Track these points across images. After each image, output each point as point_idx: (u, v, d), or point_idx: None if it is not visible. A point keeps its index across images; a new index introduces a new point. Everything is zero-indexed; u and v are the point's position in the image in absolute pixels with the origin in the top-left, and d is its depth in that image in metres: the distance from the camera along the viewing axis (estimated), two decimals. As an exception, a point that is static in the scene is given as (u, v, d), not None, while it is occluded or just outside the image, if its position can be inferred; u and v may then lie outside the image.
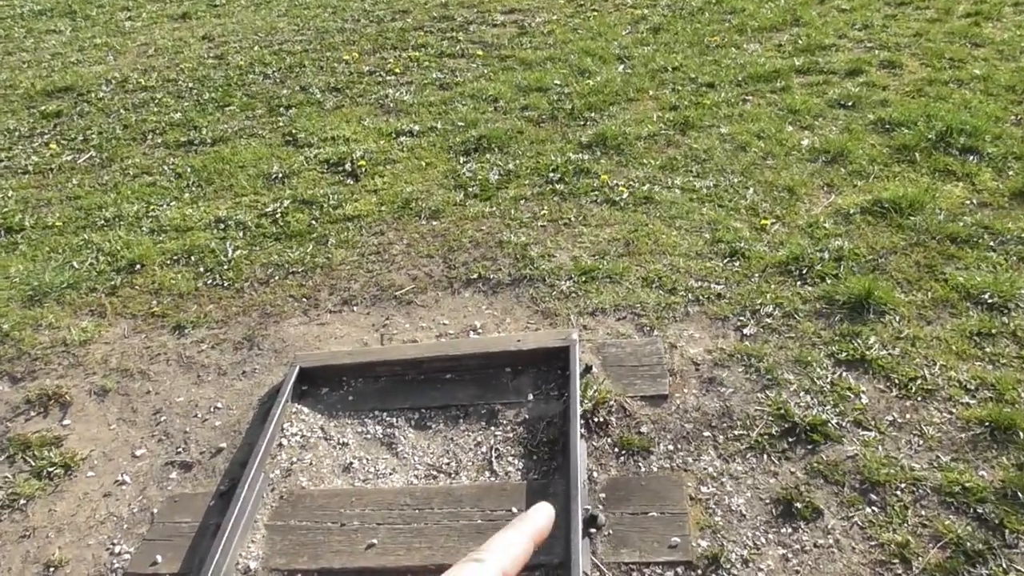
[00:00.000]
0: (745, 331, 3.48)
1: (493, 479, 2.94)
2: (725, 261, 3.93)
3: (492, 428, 3.15)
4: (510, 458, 3.02)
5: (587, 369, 3.29)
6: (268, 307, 3.98)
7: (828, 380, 3.16)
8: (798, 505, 2.68)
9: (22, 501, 3.07)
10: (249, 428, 3.27)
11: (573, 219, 4.41)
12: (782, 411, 3.02)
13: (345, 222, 4.64)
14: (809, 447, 2.89)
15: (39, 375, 3.72)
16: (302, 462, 3.09)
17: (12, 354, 3.87)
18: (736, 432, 2.99)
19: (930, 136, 4.85)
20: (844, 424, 2.97)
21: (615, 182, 4.74)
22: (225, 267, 4.33)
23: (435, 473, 3.02)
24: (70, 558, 2.85)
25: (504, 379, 3.35)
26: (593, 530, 2.66)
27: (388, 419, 3.25)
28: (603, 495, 2.79)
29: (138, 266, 4.44)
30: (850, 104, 5.45)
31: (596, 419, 3.07)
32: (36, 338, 3.96)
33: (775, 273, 3.82)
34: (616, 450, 2.97)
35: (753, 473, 2.83)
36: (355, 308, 3.92)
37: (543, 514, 0.65)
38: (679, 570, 2.54)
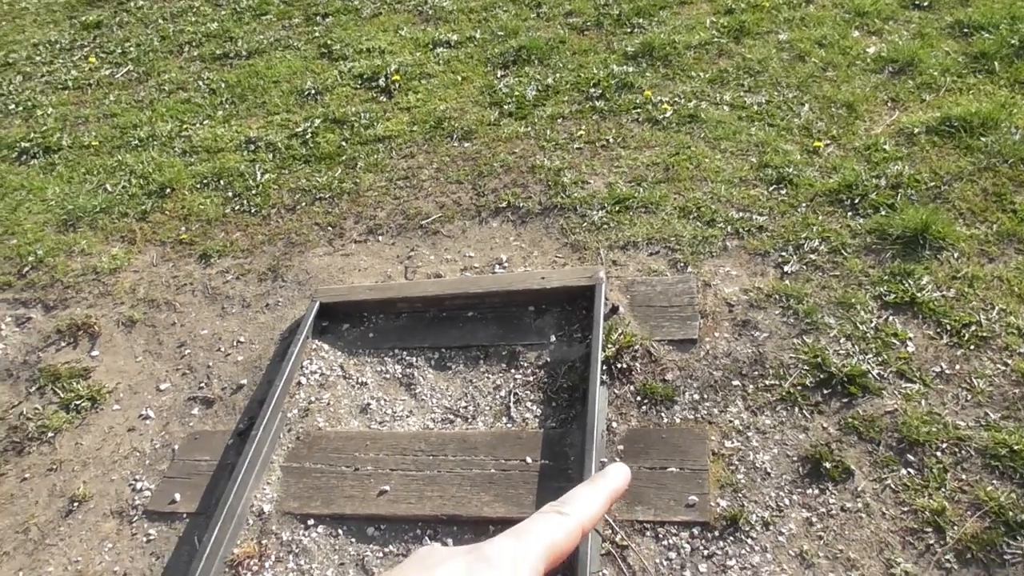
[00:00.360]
0: (786, 268, 3.24)
1: (510, 426, 2.85)
2: (771, 189, 3.65)
3: (512, 371, 3.04)
4: (529, 404, 2.91)
5: (613, 310, 3.13)
6: (293, 235, 3.89)
7: (872, 325, 2.93)
8: (827, 464, 2.52)
9: (50, 434, 3.12)
10: (269, 365, 3.24)
11: (611, 140, 4.14)
12: (819, 359, 2.83)
13: (375, 143, 4.47)
14: (845, 400, 2.70)
15: (70, 304, 3.74)
16: (320, 401, 3.05)
17: (46, 281, 3.90)
18: (767, 382, 2.81)
19: (1013, 42, 4.36)
20: (886, 375, 2.76)
21: (659, 98, 4.43)
22: (253, 192, 4.23)
23: (452, 417, 2.94)
24: (94, 492, 2.90)
25: (527, 319, 3.22)
26: (608, 485, 2.56)
27: (408, 358, 3.17)
28: (621, 447, 2.68)
29: (168, 190, 4.38)
30: (925, 4, 4.93)
31: (619, 365, 2.92)
32: (69, 265, 3.97)
33: (824, 203, 3.53)
34: (638, 399, 2.84)
35: (782, 428, 2.67)
36: (380, 238, 3.80)
37: (621, 474, 0.64)
38: (695, 531, 2.43)
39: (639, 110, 4.36)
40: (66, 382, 3.30)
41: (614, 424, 2.76)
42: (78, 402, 3.20)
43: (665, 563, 2.38)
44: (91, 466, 2.99)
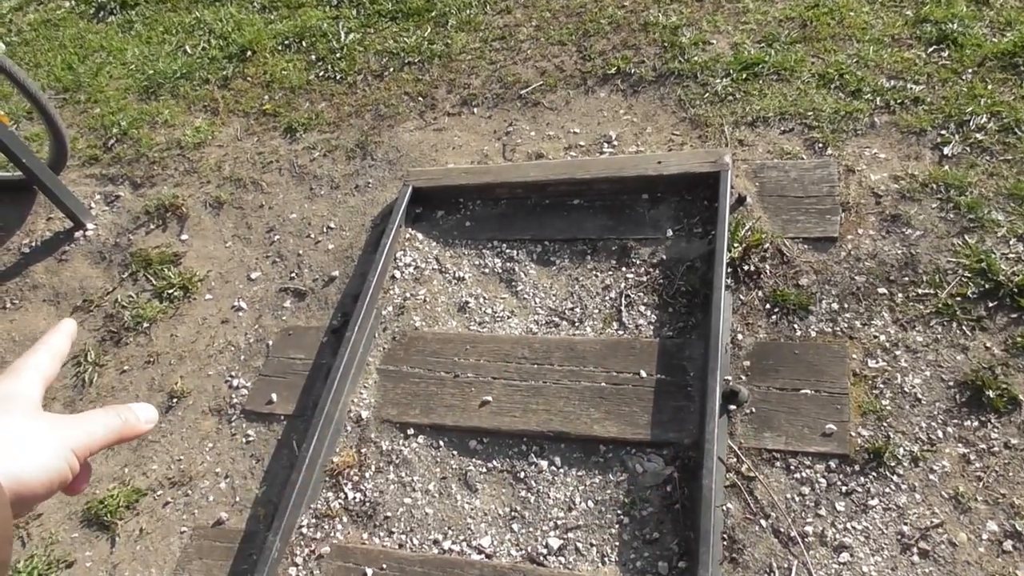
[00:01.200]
0: (946, 151, 2.75)
1: (621, 333, 2.58)
2: (930, 50, 3.08)
3: (623, 269, 2.74)
4: (642, 308, 2.62)
5: (740, 201, 2.74)
6: (382, 107, 3.56)
7: (1052, 224, 2.47)
8: (990, 393, 2.17)
9: (145, 324, 3.04)
10: (362, 255, 3.02)
11: (737, -11, 3.56)
12: (983, 264, 2.41)
13: (468, -6, 4.00)
14: (1014, 316, 2.31)
15: (157, 181, 3.57)
16: (416, 297, 2.84)
17: (131, 155, 3.72)
18: (920, 291, 2.43)
19: None
20: (1066, 287, 2.33)
21: (794, -65, 3.76)
22: (337, 55, 3.87)
23: (557, 320, 2.69)
24: (192, 388, 2.82)
25: (640, 208, 2.87)
26: (733, 407, 2.30)
27: (508, 251, 2.90)
28: (747, 363, 2.39)
29: (249, 52, 4.06)
30: None
31: (746, 267, 2.58)
32: (153, 138, 3.77)
33: (995, 68, 2.95)
34: (768, 307, 2.51)
35: (937, 346, 2.31)
36: (475, 110, 3.43)
37: (66, 327, 0.75)
38: (832, 464, 2.16)
39: (770, -50, 3.72)
40: (158, 268, 3.18)
41: (740, 336, 2.45)
42: (171, 291, 3.09)
43: (797, 499, 2.13)
44: (187, 360, 2.90)
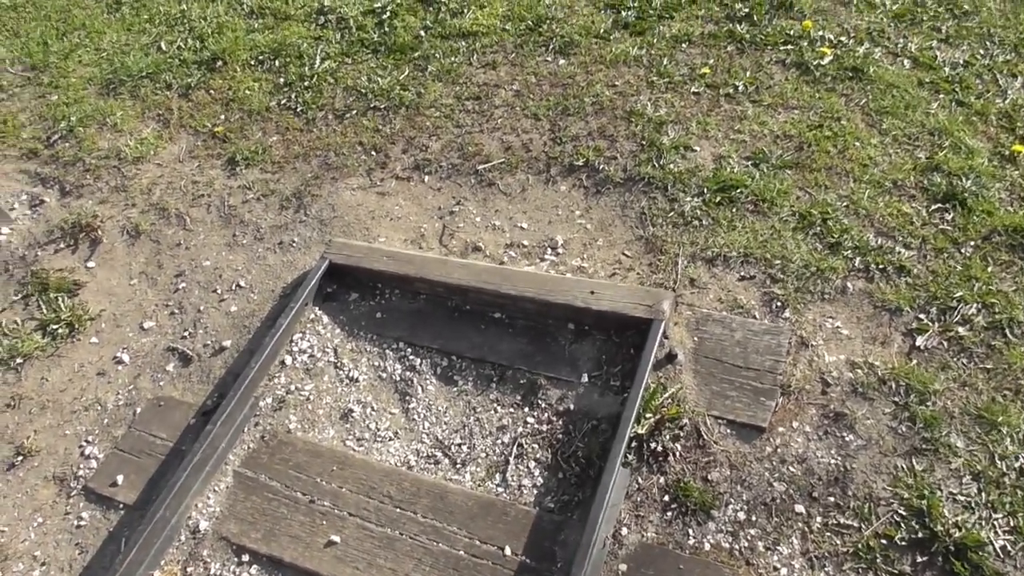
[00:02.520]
0: (919, 341, 2.32)
1: (500, 490, 2.22)
2: (933, 208, 2.63)
3: (526, 410, 2.37)
4: (531, 464, 2.26)
5: (669, 358, 2.34)
6: (332, 154, 3.20)
7: (1019, 466, 2.04)
8: None
9: (19, 360, 2.75)
10: (259, 328, 2.68)
11: (741, 89, 3.12)
12: (924, 503, 2.00)
13: (457, 39, 3.60)
14: (942, 579, 1.90)
15: (85, 193, 3.27)
16: (300, 392, 2.50)
17: (70, 157, 3.42)
18: (843, 520, 2.02)
19: None
20: (1014, 555, 1.91)
21: (820, 32, 3.30)
22: (306, 83, 3.51)
23: (439, 455, 2.33)
24: (42, 447, 2.53)
25: (562, 340, 2.48)
26: (591, 622, 1.93)
27: (412, 358, 2.54)
28: (623, 568, 2.01)
29: (220, 62, 3.72)
30: None
31: (655, 444, 2.19)
32: (96, 142, 3.46)
33: (1002, 246, 2.51)
34: (666, 499, 2.12)
35: (843, 597, 1.91)
36: (426, 178, 3.05)
37: None
38: None
39: (790, 47, 3.27)
40: (52, 296, 2.88)
41: (625, 530, 2.08)
42: (56, 326, 2.78)
43: None
44: (49, 411, 2.61)
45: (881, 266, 2.50)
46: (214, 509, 2.29)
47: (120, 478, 2.40)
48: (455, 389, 2.46)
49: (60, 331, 2.78)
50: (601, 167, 2.93)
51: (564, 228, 2.79)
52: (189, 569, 2.19)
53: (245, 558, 2.19)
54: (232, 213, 3.06)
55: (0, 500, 2.42)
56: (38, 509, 2.40)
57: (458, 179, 3.02)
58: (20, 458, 2.50)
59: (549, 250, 2.73)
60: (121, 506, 2.35)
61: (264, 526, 2.23)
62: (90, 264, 3.00)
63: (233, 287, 2.83)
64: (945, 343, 2.31)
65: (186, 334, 2.74)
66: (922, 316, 2.38)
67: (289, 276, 2.82)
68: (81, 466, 2.47)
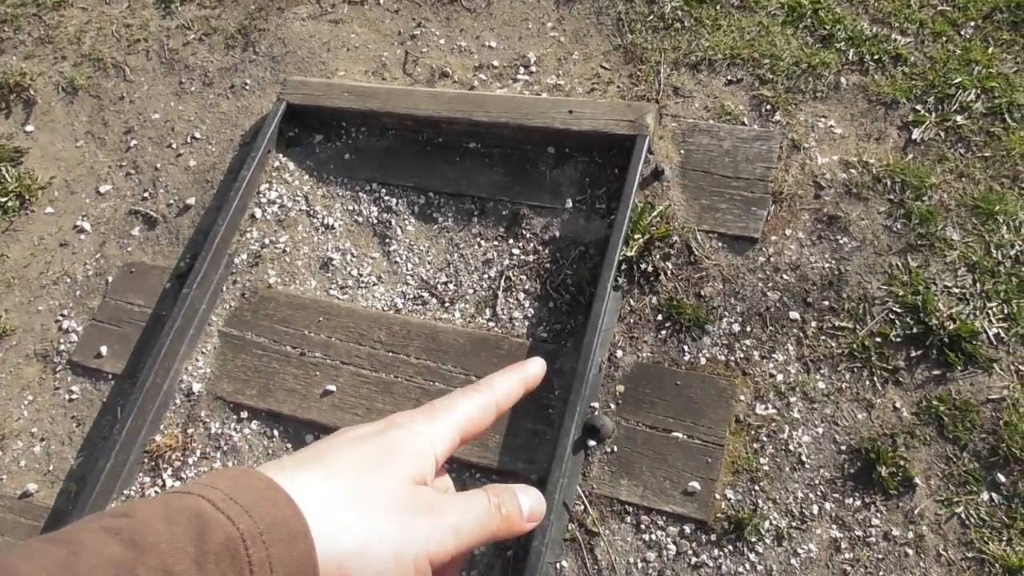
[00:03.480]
0: (915, 134, 2.25)
1: (492, 325, 2.22)
2: (931, -12, 2.47)
3: (510, 241, 2.32)
4: (520, 295, 2.24)
5: (656, 174, 2.27)
6: (275, -21, 2.94)
7: (1013, 253, 2.04)
8: (883, 470, 1.86)
9: (-25, 239, 2.64)
10: (222, 181, 2.58)
11: None
12: (918, 299, 2.01)
13: None
14: (936, 372, 1.95)
15: (6, 48, 3.02)
16: (276, 245, 2.44)
17: (-17, 9, 3.13)
18: (837, 322, 2.04)
19: None
20: (1007, 341, 1.96)
21: None
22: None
23: (427, 295, 2.31)
24: (18, 326, 2.49)
25: (542, 165, 2.39)
26: (592, 443, 1.99)
27: (387, 199, 2.45)
28: (621, 389, 2.05)
29: None
30: None
31: (645, 265, 2.16)
32: (10, -16, 3.16)
33: (1004, 24, 2.38)
34: (659, 318, 2.13)
35: (839, 397, 1.97)
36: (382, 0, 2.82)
37: (536, 364, 0.62)
38: (687, 528, 1.89)
39: None
40: (-3, 166, 2.73)
41: (620, 352, 2.09)
42: (5, 199, 2.66)
43: (639, 565, 1.88)
44: (16, 289, 2.54)
45: (876, 56, 2.37)
46: (205, 371, 2.29)
47: (104, 349, 2.38)
48: (435, 227, 2.40)
49: (10, 204, 2.66)
50: (571, -30, 2.70)
51: (536, 43, 2.62)
52: (189, 431, 2.22)
53: (244, 415, 2.22)
54: (175, 58, 2.85)
55: (-15, 382, 2.42)
56: (26, 387, 2.39)
57: (416, -2, 2.80)
58: (-3, 337, 2.47)
59: (522, 69, 2.58)
60: (110, 376, 2.35)
61: (258, 383, 2.25)
62: (28, 128, 2.83)
63: (188, 140, 2.69)
64: (942, 134, 2.24)
65: (146, 195, 2.63)
66: (919, 107, 2.29)
67: (247, 123, 2.67)
68: (61, 341, 2.44)
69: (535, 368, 0.62)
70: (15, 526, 2.18)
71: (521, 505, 0.54)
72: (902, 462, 1.86)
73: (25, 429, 2.33)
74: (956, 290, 2.03)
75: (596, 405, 2.03)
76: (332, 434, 0.51)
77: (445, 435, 0.53)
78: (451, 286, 2.31)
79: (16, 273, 2.57)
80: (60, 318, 2.48)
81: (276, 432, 2.19)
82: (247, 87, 2.74)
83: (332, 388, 2.19)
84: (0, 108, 2.88)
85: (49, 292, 2.53)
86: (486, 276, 2.30)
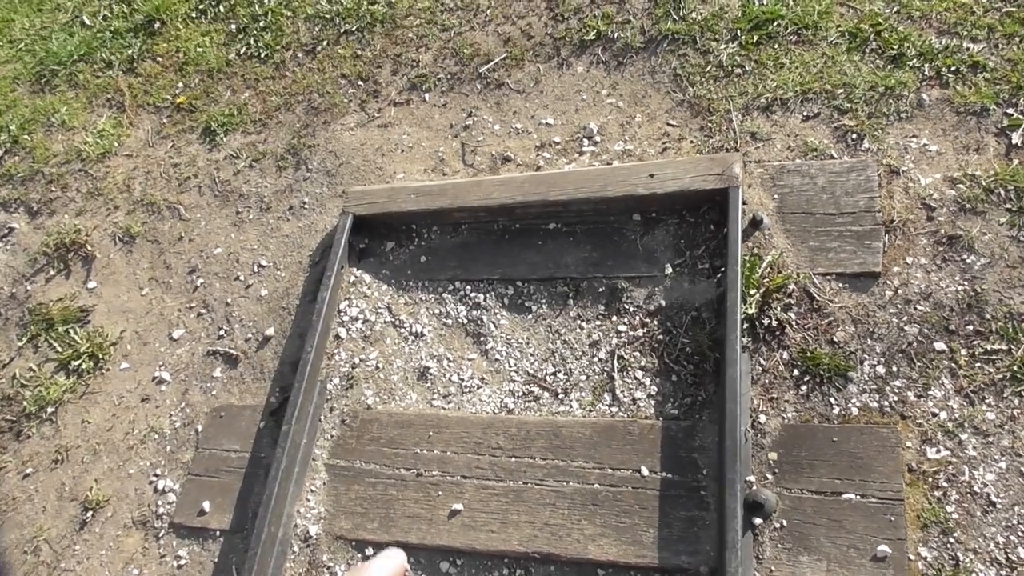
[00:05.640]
0: (1015, 138, 2.20)
1: (615, 410, 2.13)
2: (992, -10, 2.45)
3: (613, 319, 2.26)
4: (638, 373, 2.16)
5: (755, 224, 2.22)
6: (315, 95, 2.97)
7: None
8: (1085, 497, 1.73)
9: (50, 408, 2.61)
10: (299, 306, 2.54)
11: (741, -90, 2.87)
12: (1069, 306, 1.92)
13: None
14: (1111, 382, 1.84)
15: (56, 207, 3.05)
16: (367, 364, 2.38)
17: (25, 172, 3.18)
18: (989, 346, 1.95)
19: None
20: None
21: None
22: (261, 24, 3.24)
23: (537, 391, 2.23)
24: (111, 494, 2.42)
25: (630, 234, 2.35)
26: (758, 521, 1.87)
27: (473, 295, 2.41)
28: (774, 457, 1.95)
29: (158, 23, 3.43)
30: None
31: (766, 319, 2.09)
32: (49, 147, 3.22)
33: (1079, 12, 2.34)
34: (795, 373, 2.04)
35: (1013, 426, 1.86)
36: (427, 96, 2.84)
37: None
38: (885, 600, 1.76)
39: None
40: (61, 330, 2.72)
41: (762, 417, 2.00)
42: (77, 362, 2.64)
43: (841, 649, 1.74)
44: (103, 455, 2.49)
45: (953, 68, 2.34)
46: (318, 510, 2.20)
47: (206, 504, 2.31)
48: (530, 316, 2.34)
49: (84, 366, 2.63)
50: (616, 35, 2.72)
51: (594, 112, 2.62)
52: None
53: (369, 551, 2.13)
54: (228, 189, 2.87)
55: (86, 563, 2.33)
56: (130, 560, 2.31)
57: (462, 88, 2.82)
58: (90, 513, 2.40)
59: (585, 140, 2.57)
60: (217, 533, 2.27)
61: (378, 513, 2.16)
62: (91, 284, 2.83)
63: (255, 268, 2.67)
64: (1044, 133, 2.19)
65: (222, 332, 2.60)
66: (1010, 111, 2.24)
67: (312, 242, 2.66)
68: (159, 503, 2.37)
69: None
70: None
71: None
72: (1104, 487, 1.74)
73: (137, 603, 2.23)
74: (1108, 291, 1.94)
75: (752, 479, 1.92)
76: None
77: None
78: (561, 375, 2.24)
79: (100, 438, 2.52)
80: (154, 478, 2.41)
81: (409, 564, 2.08)
82: (306, 206, 2.74)
83: (459, 507, 2.09)
84: (60, 269, 2.89)
85: (138, 453, 2.47)
86: (596, 359, 2.22)
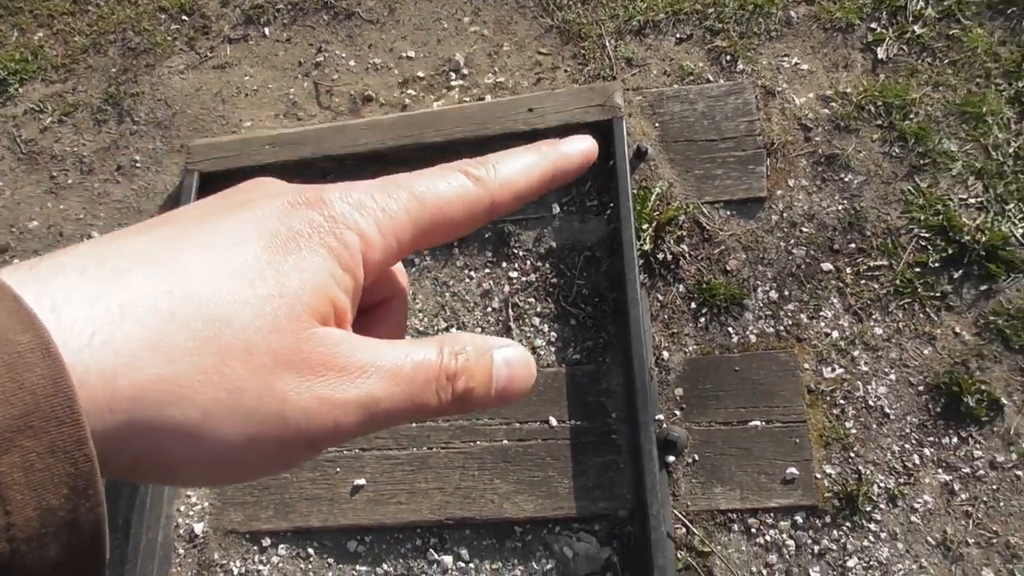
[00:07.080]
0: (879, 52, 2.28)
1: (516, 361, 2.07)
2: (844, -99, 2.50)
3: (503, 264, 2.18)
4: (535, 319, 2.11)
5: (640, 155, 2.19)
6: (130, 33, 2.64)
7: (1011, 150, 2.10)
8: (969, 400, 1.87)
9: None
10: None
11: None
12: (942, 218, 2.04)
13: None
14: (983, 288, 1.99)
15: None
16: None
17: None
18: (872, 262, 2.04)
19: None
20: (1036, 238, 2.01)
21: None
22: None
23: (430, 348, 2.13)
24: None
25: (513, 174, 2.26)
26: (671, 459, 1.90)
27: (348, 252, 2.25)
28: (680, 392, 1.97)
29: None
30: None
31: (661, 254, 2.08)
32: None
33: (925, -76, 2.43)
34: (692, 306, 2.06)
35: (899, 338, 1.97)
36: (266, 30, 2.59)
37: (576, 142, 0.40)
38: (799, 519, 1.85)
39: None
40: None
41: (665, 353, 2.01)
42: None
43: (764, 572, 1.81)
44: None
45: (816, -19, 2.39)
46: (202, 506, 2.03)
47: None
48: (413, 270, 2.22)
49: None
50: (471, -44, 2.57)
51: (458, 42, 2.47)
52: (205, 576, 1.97)
53: (266, 542, 1.99)
54: (34, 150, 2.51)
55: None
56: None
57: (306, 20, 2.58)
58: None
59: (452, 74, 2.43)
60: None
61: (272, 500, 2.01)
62: None
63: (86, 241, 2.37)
64: (905, 47, 2.28)
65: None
66: (874, 25, 2.32)
67: (152, 206, 2.39)
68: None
69: (576, 144, 0.40)
70: None
71: (494, 370, 0.35)
72: (983, 386, 1.88)
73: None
74: (972, 200, 2.07)
75: (661, 417, 1.94)
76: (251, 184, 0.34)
77: (402, 211, 0.34)
78: (454, 330, 2.15)
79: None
80: None
81: (311, 551, 1.97)
82: (138, 164, 2.44)
83: (361, 482, 1.99)
84: None
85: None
86: (490, 309, 2.15)
